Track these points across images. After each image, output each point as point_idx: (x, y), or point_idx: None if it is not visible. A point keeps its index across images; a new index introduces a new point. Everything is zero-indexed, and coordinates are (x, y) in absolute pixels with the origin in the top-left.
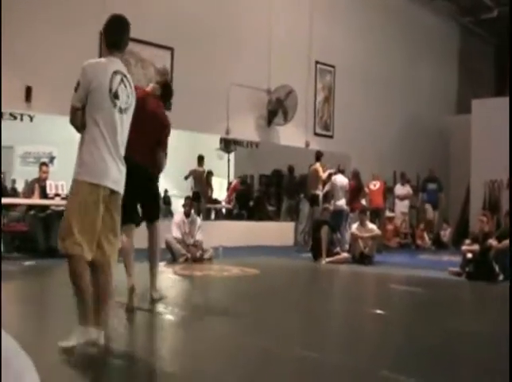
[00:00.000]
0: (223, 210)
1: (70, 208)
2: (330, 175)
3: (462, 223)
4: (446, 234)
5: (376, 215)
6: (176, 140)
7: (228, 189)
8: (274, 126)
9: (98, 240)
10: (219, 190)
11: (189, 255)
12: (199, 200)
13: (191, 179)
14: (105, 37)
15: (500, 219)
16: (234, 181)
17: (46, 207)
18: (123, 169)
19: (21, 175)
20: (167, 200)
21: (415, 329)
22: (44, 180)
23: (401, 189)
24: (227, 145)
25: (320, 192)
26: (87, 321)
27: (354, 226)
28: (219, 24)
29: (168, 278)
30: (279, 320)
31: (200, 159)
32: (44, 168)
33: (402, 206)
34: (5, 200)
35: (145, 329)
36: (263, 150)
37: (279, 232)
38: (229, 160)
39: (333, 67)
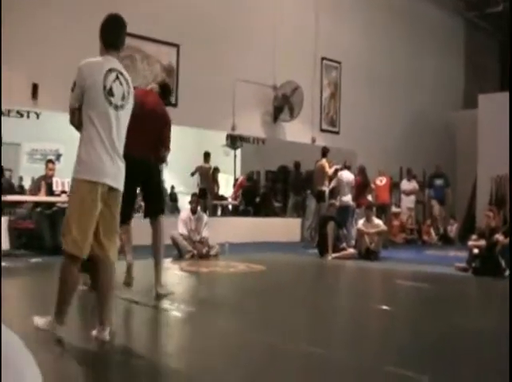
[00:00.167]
0: (230, 206)
1: (70, 206)
2: (336, 171)
3: (468, 218)
4: (453, 229)
5: (382, 210)
6: (182, 137)
7: (234, 185)
8: (280, 123)
9: (99, 237)
10: (226, 186)
11: (195, 251)
12: (206, 196)
13: (197, 176)
14: (101, 36)
15: (507, 214)
16: (241, 178)
17: (52, 204)
18: (121, 165)
19: (27, 172)
20: (173, 197)
21: (421, 324)
22: (51, 177)
23: (407, 185)
24: (233, 141)
25: (326, 188)
26: (59, 318)
27: (361, 222)
28: (225, 20)
29: (175, 275)
30: (285, 316)
31: (206, 156)
32: (50, 165)
33: (408, 201)
34: (11, 198)
35: (152, 325)
36: (269, 147)
37: (285, 228)
38: (235, 156)
39: (339, 63)
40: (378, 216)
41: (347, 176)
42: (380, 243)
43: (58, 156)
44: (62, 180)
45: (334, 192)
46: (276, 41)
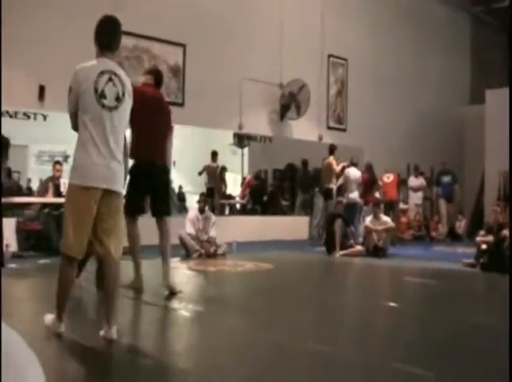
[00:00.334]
0: (237, 205)
1: (65, 210)
2: (343, 168)
3: (476, 214)
4: (461, 225)
5: (390, 207)
6: (189, 136)
7: (242, 184)
8: (287, 121)
9: (99, 237)
10: (233, 185)
11: (203, 250)
12: (213, 195)
13: (205, 175)
14: (96, 38)
15: None
16: (248, 177)
17: (60, 205)
18: (117, 166)
19: (35, 174)
20: (181, 197)
21: (428, 321)
22: (58, 178)
23: (414, 181)
24: (241, 140)
25: (333, 186)
26: (58, 317)
27: (368, 219)
28: (231, 19)
29: (183, 274)
30: (292, 314)
31: (214, 155)
32: (57, 166)
33: (416, 198)
34: (19, 199)
35: (160, 324)
36: (276, 145)
37: (293, 227)
38: (243, 155)
39: (345, 60)
40: (386, 213)
41: (354, 173)
42: (388, 240)
43: (65, 157)
44: None
45: (341, 190)
46: (282, 39)
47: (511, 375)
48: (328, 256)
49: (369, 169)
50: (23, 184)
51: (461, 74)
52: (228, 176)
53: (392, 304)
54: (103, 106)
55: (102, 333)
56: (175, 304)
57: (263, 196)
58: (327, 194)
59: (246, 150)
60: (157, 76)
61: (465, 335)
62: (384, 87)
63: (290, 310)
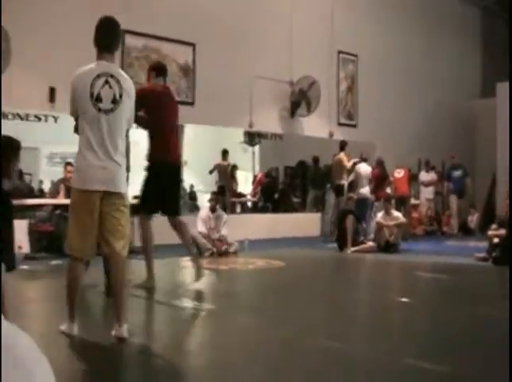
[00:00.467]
0: (249, 203)
1: (69, 212)
2: (355, 164)
3: (488, 208)
4: (473, 219)
5: (401, 203)
6: (200, 135)
7: (253, 182)
8: (298, 118)
9: (105, 236)
10: (245, 183)
11: (215, 249)
12: (224, 194)
13: (216, 173)
14: (95, 39)
15: None
16: (259, 174)
17: None
18: (116, 168)
19: (47, 175)
20: (192, 196)
21: (440, 316)
22: (70, 179)
23: (425, 176)
24: (251, 138)
25: (344, 182)
26: (70, 318)
27: (380, 215)
28: (241, 17)
29: (194, 273)
30: (304, 311)
31: (224, 153)
32: (69, 168)
33: (427, 193)
34: (31, 201)
35: (172, 322)
36: (287, 142)
37: (305, 223)
38: (253, 153)
39: (355, 56)
40: (398, 209)
41: (364, 168)
42: (399, 235)
43: None
44: None
45: (353, 186)
46: (292, 37)
47: (511, 374)
48: (340, 253)
49: (380, 165)
50: (35, 185)
51: (471, 67)
52: (239, 174)
53: (404, 299)
54: (99, 109)
55: (113, 332)
56: (187, 302)
57: (274, 194)
58: (339, 190)
59: (256, 147)
60: (159, 68)
61: (477, 329)
62: (394, 82)
63: (302, 307)
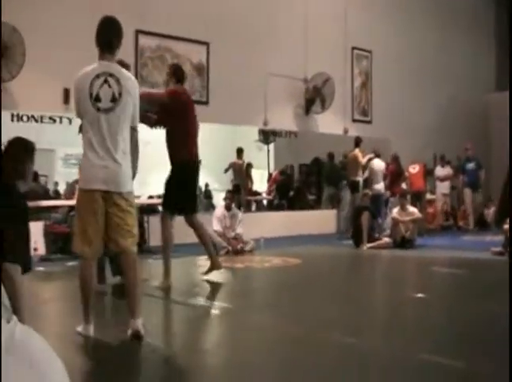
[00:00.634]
0: (264, 201)
1: (75, 212)
2: (369, 160)
3: (503, 201)
4: (489, 213)
5: (417, 198)
6: (214, 134)
7: (269, 180)
8: (312, 115)
9: (111, 235)
10: (260, 182)
11: (230, 247)
12: (240, 192)
13: (231, 172)
14: (96, 39)
15: None
16: (275, 172)
17: None
18: (117, 167)
19: (62, 177)
20: (208, 194)
21: (456, 311)
22: None
23: (441, 171)
24: (266, 136)
25: (360, 179)
26: (85, 319)
27: (395, 210)
28: (254, 15)
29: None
30: (320, 308)
31: (239, 152)
32: None
33: (443, 188)
34: (47, 203)
35: (188, 321)
36: (302, 140)
37: (320, 220)
38: (268, 151)
39: (369, 52)
40: (413, 204)
41: (378, 164)
42: (415, 231)
43: None
44: None
45: (368, 182)
46: (306, 34)
47: (511, 373)
48: (356, 249)
49: (395, 161)
50: (50, 187)
51: (486, 61)
52: (254, 172)
53: (420, 295)
54: (98, 109)
55: (129, 330)
56: (203, 301)
57: (289, 191)
58: (354, 187)
59: (271, 145)
60: (179, 72)
61: (493, 324)
62: (408, 77)
63: (318, 304)
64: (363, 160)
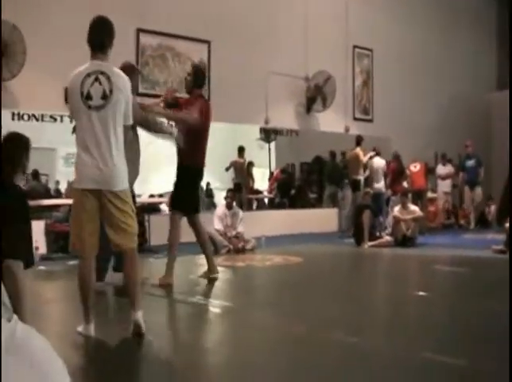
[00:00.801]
0: (265, 200)
1: (71, 212)
2: (371, 158)
3: (505, 200)
4: (491, 211)
5: (418, 196)
6: (215, 132)
7: (270, 178)
8: (313, 113)
9: (110, 236)
10: (261, 180)
11: (231, 246)
12: (241, 191)
13: (232, 170)
14: (88, 38)
15: None
16: (276, 171)
17: None
18: (110, 166)
19: (64, 176)
20: (209, 193)
21: (458, 309)
22: None
23: (442, 169)
24: (267, 134)
25: (361, 177)
26: (85, 319)
27: (396, 209)
28: (255, 13)
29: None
30: (322, 306)
31: (241, 150)
32: None
33: (445, 186)
34: (48, 202)
35: (189, 320)
36: (303, 138)
37: (322, 219)
38: (269, 149)
39: (371, 50)
40: (415, 202)
41: (377, 162)
42: (416, 229)
43: None
44: None
45: (368, 181)
46: (307, 32)
47: (511, 372)
48: (357, 248)
49: (396, 159)
50: (51, 186)
51: (487, 60)
52: (256, 171)
53: (421, 293)
54: (89, 107)
55: (130, 327)
56: (204, 300)
57: (291, 190)
58: (355, 185)
59: (272, 144)
60: (201, 76)
61: (495, 323)
62: (409, 75)
63: (319, 303)
64: (365, 158)
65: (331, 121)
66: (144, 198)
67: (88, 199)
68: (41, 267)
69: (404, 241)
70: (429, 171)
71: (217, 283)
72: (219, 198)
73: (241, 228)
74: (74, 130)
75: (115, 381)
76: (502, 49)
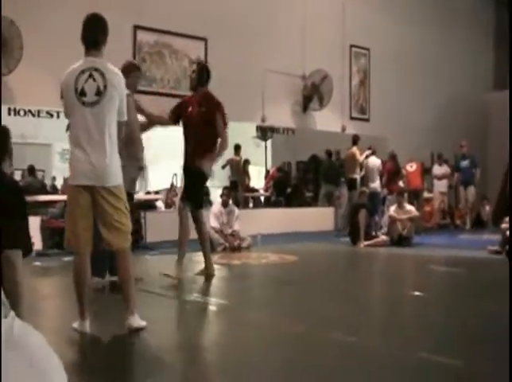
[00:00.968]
0: (261, 198)
1: (66, 208)
2: (367, 157)
3: (500, 203)
4: (486, 211)
5: (415, 196)
6: None
7: (266, 177)
8: (310, 112)
9: (102, 233)
10: (257, 178)
11: (227, 244)
12: (237, 189)
13: (228, 168)
14: (82, 36)
15: None
16: (272, 169)
17: None
18: (103, 161)
19: (60, 172)
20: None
21: (454, 310)
22: None
23: (438, 169)
24: (264, 132)
25: (357, 176)
26: (80, 315)
27: (392, 208)
28: (252, 11)
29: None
30: (318, 306)
31: (237, 148)
32: None
33: (441, 186)
34: (44, 197)
35: (185, 318)
36: (299, 137)
37: (317, 218)
38: (266, 147)
39: (368, 49)
40: (411, 202)
41: (372, 161)
42: (412, 229)
43: None
44: None
45: (364, 180)
46: (304, 31)
47: (511, 371)
48: (353, 247)
49: (393, 159)
50: (47, 182)
51: (484, 60)
52: (252, 169)
53: (417, 293)
54: (83, 103)
55: (126, 328)
56: (200, 298)
57: (287, 188)
58: (351, 185)
59: (269, 142)
60: (207, 74)
61: (491, 323)
62: (406, 75)
63: (315, 302)
64: (361, 157)
65: (328, 120)
66: (140, 195)
67: (82, 195)
68: (37, 263)
69: (400, 241)
70: (425, 171)
71: (212, 281)
72: (215, 196)
73: (237, 226)
74: (68, 127)
75: (110, 377)
76: (500, 49)
